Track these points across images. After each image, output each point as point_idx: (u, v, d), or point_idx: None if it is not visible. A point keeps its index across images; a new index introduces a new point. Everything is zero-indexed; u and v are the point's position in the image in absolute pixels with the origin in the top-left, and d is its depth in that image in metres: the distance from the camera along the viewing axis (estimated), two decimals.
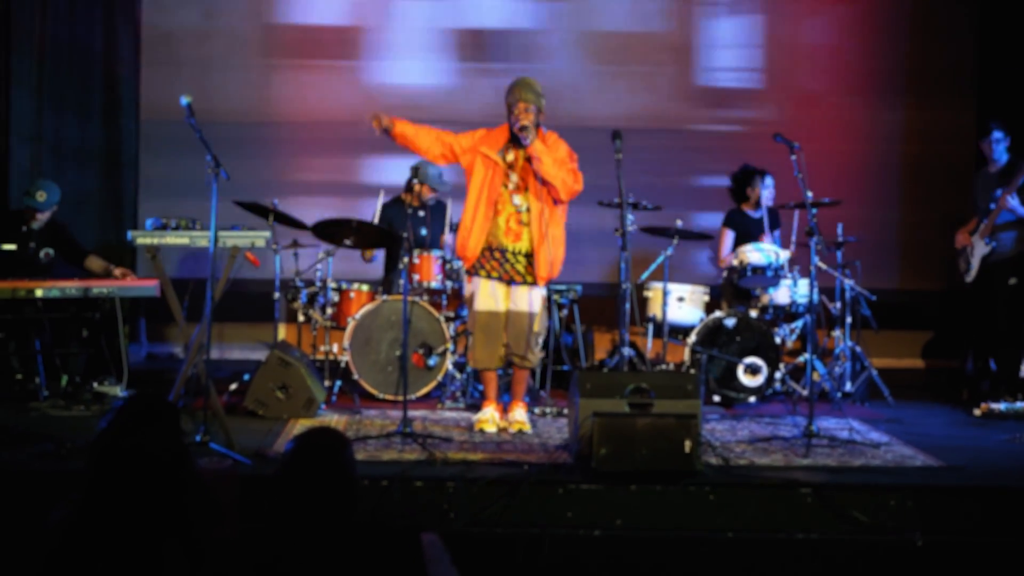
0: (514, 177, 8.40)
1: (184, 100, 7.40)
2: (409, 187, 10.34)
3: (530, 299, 8.45)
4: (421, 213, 10.34)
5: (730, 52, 12.63)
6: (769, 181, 10.64)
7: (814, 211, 8.42)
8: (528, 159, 8.27)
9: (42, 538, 3.82)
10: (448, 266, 9.81)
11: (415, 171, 10.16)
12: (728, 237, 10.65)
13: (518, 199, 8.39)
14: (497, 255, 8.41)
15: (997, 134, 10.21)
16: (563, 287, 10.37)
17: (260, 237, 8.02)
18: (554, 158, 8.29)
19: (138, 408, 3.91)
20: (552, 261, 8.40)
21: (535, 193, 8.31)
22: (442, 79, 12.44)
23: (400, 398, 8.46)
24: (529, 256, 8.41)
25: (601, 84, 12.42)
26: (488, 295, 8.45)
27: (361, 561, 3.61)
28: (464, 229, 8.43)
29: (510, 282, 8.42)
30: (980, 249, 10.06)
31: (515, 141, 8.37)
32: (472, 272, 8.50)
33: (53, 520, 3.85)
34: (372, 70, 12.44)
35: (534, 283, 8.43)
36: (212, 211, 7.44)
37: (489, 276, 8.42)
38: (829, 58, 12.62)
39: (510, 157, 8.41)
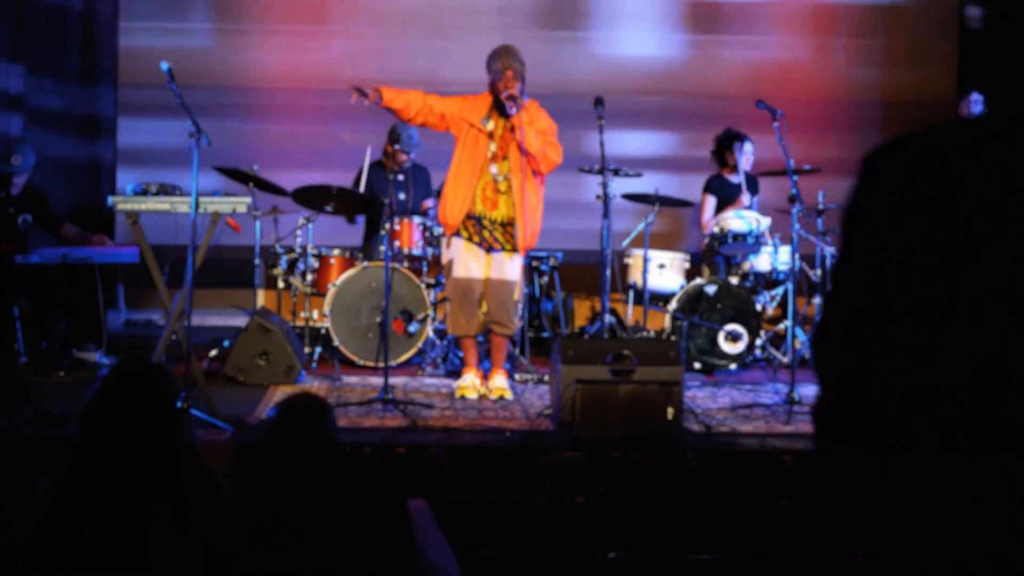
0: (492, 146, 8.36)
1: (164, 65, 7.35)
2: (386, 151, 10.34)
3: (510, 267, 8.44)
4: (401, 178, 10.33)
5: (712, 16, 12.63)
6: (748, 146, 10.62)
7: (795, 178, 8.40)
8: (512, 129, 8.25)
9: (29, 504, 3.80)
10: (428, 233, 9.78)
11: (390, 135, 10.15)
12: (710, 202, 10.63)
13: (495, 168, 8.36)
14: (474, 222, 8.38)
15: (976, 96, 10.14)
16: (543, 254, 10.36)
17: (241, 203, 7.97)
18: (537, 129, 8.26)
19: (128, 371, 3.90)
20: (532, 232, 8.38)
21: (515, 163, 8.28)
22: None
23: (380, 365, 8.45)
24: (505, 225, 8.39)
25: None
26: (466, 261, 8.42)
27: (349, 527, 3.60)
28: (446, 197, 8.41)
29: (489, 249, 8.40)
30: None
31: (497, 109, 8.34)
32: (453, 235, 8.46)
33: (40, 486, 3.83)
34: (349, 35, 12.41)
35: (513, 251, 8.41)
36: (193, 176, 7.40)
37: (470, 240, 8.40)
38: (809, 20, 12.63)
39: (490, 126, 8.37)
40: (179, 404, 7.10)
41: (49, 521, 3.72)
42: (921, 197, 2.21)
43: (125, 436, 3.76)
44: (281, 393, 8.41)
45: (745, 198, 10.41)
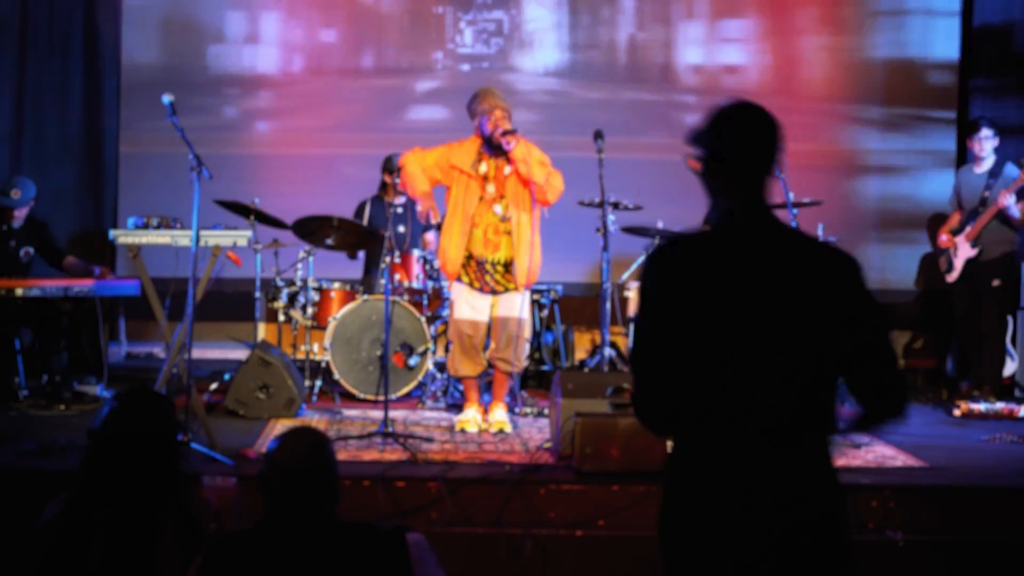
0: (491, 188, 8.35)
1: (166, 99, 7.37)
2: (383, 183, 10.37)
3: (519, 304, 8.41)
4: (400, 211, 10.33)
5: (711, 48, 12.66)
6: None
7: (795, 211, 8.41)
8: (506, 166, 8.24)
9: (35, 536, 3.83)
10: (429, 266, 9.81)
11: (385, 164, 10.21)
12: None
13: (499, 208, 8.34)
14: (475, 266, 8.37)
15: (986, 131, 10.16)
16: (544, 287, 10.37)
17: (242, 236, 8.00)
18: (536, 160, 8.25)
19: (137, 398, 3.96)
20: (532, 268, 8.36)
21: (514, 201, 8.28)
22: None
23: (381, 398, 8.46)
24: (507, 265, 8.38)
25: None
26: (469, 303, 8.40)
27: (347, 561, 3.62)
28: (443, 246, 8.39)
29: (492, 292, 8.40)
30: (965, 251, 10.04)
31: (488, 150, 8.33)
32: (455, 280, 8.46)
33: (47, 515, 3.86)
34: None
35: (515, 290, 8.42)
36: (194, 210, 7.41)
37: (471, 285, 8.39)
38: (810, 56, 12.65)
39: (483, 168, 8.36)
40: (179, 437, 7.16)
41: (57, 547, 3.75)
42: (674, 281, 3.49)
43: (133, 460, 3.81)
44: (281, 426, 8.42)
45: None
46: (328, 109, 12.37)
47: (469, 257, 8.35)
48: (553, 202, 8.37)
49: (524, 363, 8.67)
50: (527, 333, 8.51)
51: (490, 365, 8.56)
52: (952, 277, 10.20)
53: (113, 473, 3.82)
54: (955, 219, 10.30)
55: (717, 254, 3.50)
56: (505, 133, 8.15)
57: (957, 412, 9.47)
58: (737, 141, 3.55)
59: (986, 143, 10.15)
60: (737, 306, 3.43)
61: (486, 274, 8.35)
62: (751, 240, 3.50)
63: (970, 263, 10.04)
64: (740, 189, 3.54)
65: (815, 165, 12.03)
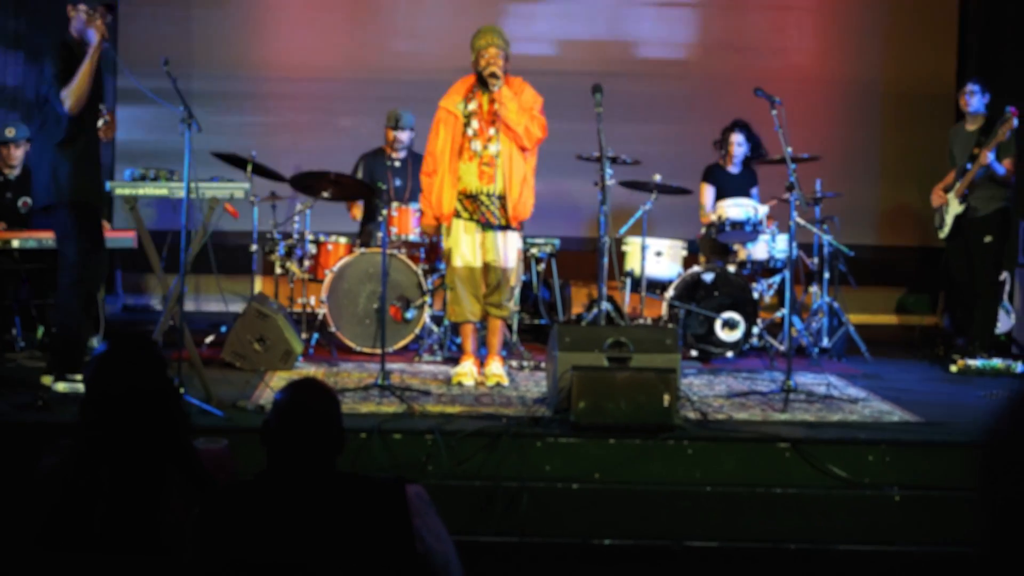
0: (475, 123, 8.41)
1: (163, 58, 7.42)
2: (386, 137, 10.36)
3: (506, 249, 8.46)
4: (398, 164, 10.33)
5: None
6: (738, 137, 10.56)
7: (793, 166, 8.39)
8: (493, 102, 8.31)
9: (35, 486, 3.82)
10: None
11: (388, 118, 10.22)
12: (708, 192, 10.61)
13: (492, 146, 8.39)
14: (471, 200, 8.40)
15: (973, 86, 10.11)
16: (541, 241, 10.35)
17: (239, 188, 7.97)
18: (519, 104, 8.32)
19: (123, 348, 3.94)
20: (524, 201, 8.42)
21: (504, 135, 8.34)
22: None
23: (377, 351, 8.47)
24: (501, 198, 8.41)
25: None
26: (467, 248, 8.43)
27: (346, 511, 3.62)
28: (436, 188, 8.44)
29: (486, 224, 8.42)
30: (954, 208, 9.99)
31: (481, 87, 8.41)
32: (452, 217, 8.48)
33: (45, 467, 3.85)
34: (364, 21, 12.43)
35: (508, 227, 8.44)
36: (185, 161, 7.41)
37: (471, 218, 8.42)
38: (808, 13, 12.64)
39: (472, 106, 8.43)
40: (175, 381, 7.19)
41: (62, 502, 3.75)
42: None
43: (131, 409, 3.80)
44: (278, 379, 8.42)
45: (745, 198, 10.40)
46: (332, 62, 12.33)
47: (464, 195, 8.43)
48: (530, 147, 8.43)
49: (513, 308, 8.70)
50: (514, 280, 8.53)
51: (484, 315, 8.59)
52: (943, 234, 10.16)
53: (110, 427, 3.82)
54: (950, 177, 10.25)
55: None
56: (492, 75, 8.25)
57: (954, 368, 9.50)
58: None
59: (971, 98, 10.06)
60: None
61: (482, 205, 8.38)
62: None
63: (961, 219, 9.98)
64: None
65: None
